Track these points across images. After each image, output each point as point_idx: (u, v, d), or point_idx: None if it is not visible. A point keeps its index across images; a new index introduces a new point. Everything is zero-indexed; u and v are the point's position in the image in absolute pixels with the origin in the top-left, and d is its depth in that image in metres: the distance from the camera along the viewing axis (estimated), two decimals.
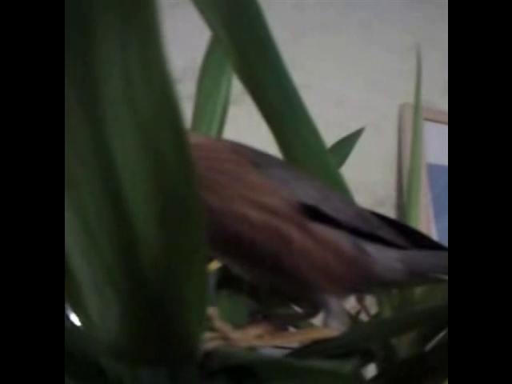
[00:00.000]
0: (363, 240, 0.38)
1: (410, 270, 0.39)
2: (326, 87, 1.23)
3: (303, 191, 0.37)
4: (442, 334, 0.54)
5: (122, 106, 0.21)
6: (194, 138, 0.38)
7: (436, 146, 1.22)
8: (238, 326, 0.51)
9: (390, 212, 1.19)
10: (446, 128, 1.25)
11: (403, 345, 0.54)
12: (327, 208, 0.38)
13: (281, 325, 0.39)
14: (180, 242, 0.28)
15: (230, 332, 0.34)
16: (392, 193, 1.21)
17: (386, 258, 0.38)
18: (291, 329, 0.49)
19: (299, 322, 0.48)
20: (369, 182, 1.17)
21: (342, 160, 0.83)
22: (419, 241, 0.41)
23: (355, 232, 0.38)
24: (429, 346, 0.55)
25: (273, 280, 0.38)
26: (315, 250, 0.36)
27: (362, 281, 0.38)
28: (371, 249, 0.38)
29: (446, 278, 0.39)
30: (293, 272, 0.36)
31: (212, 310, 0.35)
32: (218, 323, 0.34)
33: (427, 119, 1.23)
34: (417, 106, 0.68)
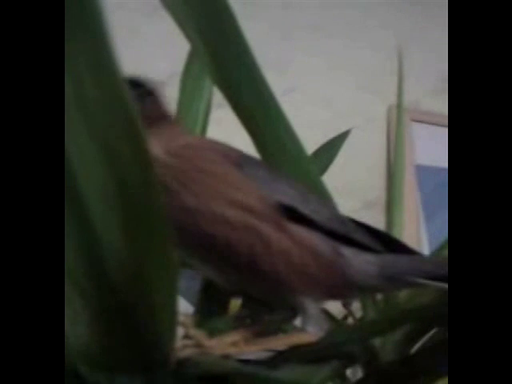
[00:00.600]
0: (339, 243, 0.38)
1: (385, 274, 0.39)
2: (314, 88, 1.23)
3: (283, 192, 0.37)
4: (427, 335, 0.54)
5: (76, 115, 0.20)
6: (183, 138, 0.38)
7: (424, 147, 1.22)
8: (220, 330, 0.51)
9: (380, 213, 1.19)
10: (434, 129, 1.25)
11: (388, 347, 0.54)
12: (305, 209, 0.38)
13: (259, 331, 0.39)
14: (145, 250, 0.28)
15: (204, 340, 0.34)
16: (381, 194, 1.20)
17: (361, 262, 0.38)
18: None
19: (282, 325, 0.48)
20: (358, 184, 1.17)
21: (329, 161, 0.83)
22: (392, 245, 0.41)
23: (331, 234, 0.38)
24: (414, 348, 0.55)
25: (247, 282, 0.37)
26: (293, 250, 0.36)
27: (338, 284, 0.38)
28: (347, 252, 0.38)
29: (422, 281, 0.39)
30: (269, 273, 0.36)
31: (186, 318, 0.34)
32: (192, 331, 0.34)
33: (415, 120, 1.24)
34: (400, 108, 0.68)
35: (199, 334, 0.34)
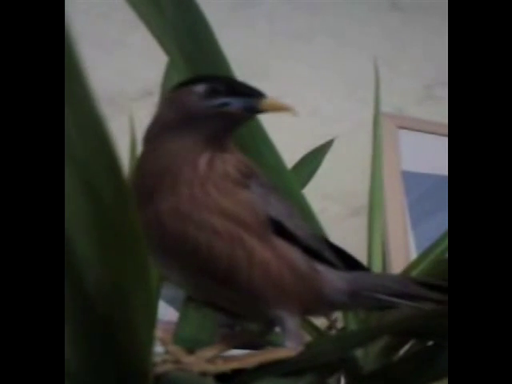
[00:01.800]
0: (314, 259, 0.39)
1: (353, 291, 0.40)
2: (300, 96, 1.24)
3: (273, 205, 0.38)
4: (409, 345, 0.55)
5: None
6: None
7: (410, 153, 1.23)
8: (203, 341, 0.51)
9: (366, 221, 1.20)
10: (420, 135, 1.26)
11: (370, 357, 0.54)
12: (290, 224, 0.39)
13: (237, 345, 0.39)
14: (122, 267, 0.28)
15: (182, 356, 0.34)
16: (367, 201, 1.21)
17: (333, 278, 0.39)
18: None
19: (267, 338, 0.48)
20: (346, 190, 1.18)
21: (315, 168, 0.84)
22: (352, 263, 0.42)
23: (308, 250, 0.39)
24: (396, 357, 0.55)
25: (222, 293, 0.38)
26: (272, 263, 0.37)
27: (312, 299, 0.39)
28: (321, 268, 0.39)
29: (386, 298, 0.40)
30: (246, 284, 0.36)
31: (165, 334, 0.35)
32: (171, 347, 0.34)
33: (401, 127, 1.25)
34: (376, 117, 0.68)
35: (177, 350, 0.34)
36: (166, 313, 0.73)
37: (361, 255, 0.69)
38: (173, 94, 0.39)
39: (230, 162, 0.37)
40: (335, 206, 1.19)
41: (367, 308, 0.46)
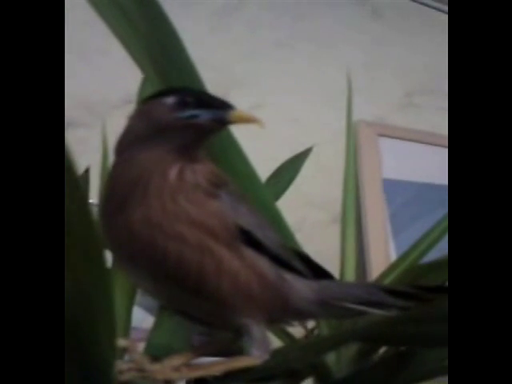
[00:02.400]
0: (282, 268, 0.40)
1: (321, 300, 0.41)
2: (280, 104, 1.25)
3: (243, 215, 0.39)
4: (382, 350, 0.56)
5: None
6: None
7: (391, 161, 1.24)
8: (176, 349, 0.52)
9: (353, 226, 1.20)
10: (400, 143, 1.27)
11: (342, 362, 0.55)
12: (259, 234, 0.39)
13: (207, 353, 0.40)
14: (84, 279, 0.29)
15: (146, 364, 0.34)
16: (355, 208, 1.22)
17: (301, 287, 0.40)
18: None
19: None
20: (326, 198, 1.18)
21: (292, 177, 0.85)
22: (321, 272, 0.43)
23: (276, 260, 0.40)
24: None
25: (190, 301, 0.38)
26: (241, 272, 0.37)
27: (279, 308, 0.39)
28: (289, 277, 0.40)
29: (353, 306, 0.40)
30: (214, 293, 0.37)
31: (129, 342, 0.35)
32: (135, 355, 0.35)
33: (382, 135, 1.26)
34: (349, 127, 0.69)
35: (142, 358, 0.35)
36: (144, 320, 0.73)
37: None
38: (143, 105, 0.39)
39: (200, 172, 0.38)
40: (317, 212, 1.20)
41: (335, 316, 0.47)
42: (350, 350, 0.55)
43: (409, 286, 0.42)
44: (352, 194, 0.70)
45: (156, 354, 0.41)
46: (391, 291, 0.42)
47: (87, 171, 0.72)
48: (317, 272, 0.43)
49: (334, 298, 0.41)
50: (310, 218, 1.19)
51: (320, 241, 1.07)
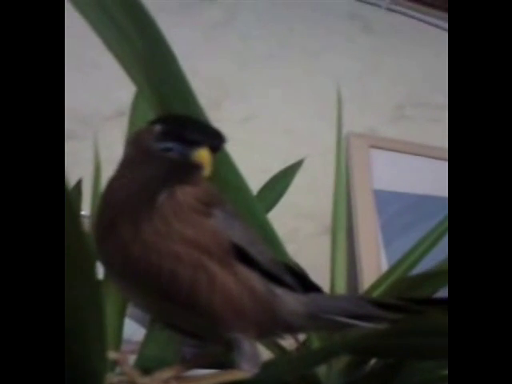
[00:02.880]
0: (273, 283, 0.40)
1: (311, 313, 0.41)
2: (273, 116, 1.26)
3: (235, 231, 0.40)
4: (372, 362, 0.56)
5: None
6: None
7: (382, 172, 1.25)
8: (167, 361, 0.52)
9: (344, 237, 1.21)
10: (391, 155, 1.28)
11: (333, 375, 0.55)
12: (251, 249, 0.40)
13: (198, 366, 0.40)
14: (74, 291, 0.29)
15: (136, 377, 0.35)
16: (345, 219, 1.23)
17: (291, 302, 0.41)
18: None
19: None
20: (318, 210, 1.19)
21: (284, 189, 0.85)
22: (308, 284, 0.43)
23: (267, 275, 0.40)
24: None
25: (182, 316, 0.39)
26: (234, 288, 0.38)
27: (269, 322, 0.40)
28: (279, 292, 0.41)
29: (343, 320, 0.41)
30: (206, 307, 0.37)
31: (120, 354, 0.35)
32: (126, 368, 0.35)
33: (374, 146, 1.27)
34: (338, 139, 0.70)
35: (132, 371, 0.35)
36: (136, 333, 0.73)
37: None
38: (138, 130, 0.40)
39: (191, 193, 0.38)
40: (309, 223, 1.21)
41: (324, 329, 0.47)
42: (341, 362, 0.55)
43: (397, 299, 0.43)
44: (342, 205, 0.70)
45: (147, 366, 0.41)
46: (379, 304, 0.42)
47: (79, 183, 0.72)
48: (305, 285, 0.43)
49: (322, 311, 0.41)
50: (303, 229, 1.19)
51: (312, 252, 1.08)
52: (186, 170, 0.36)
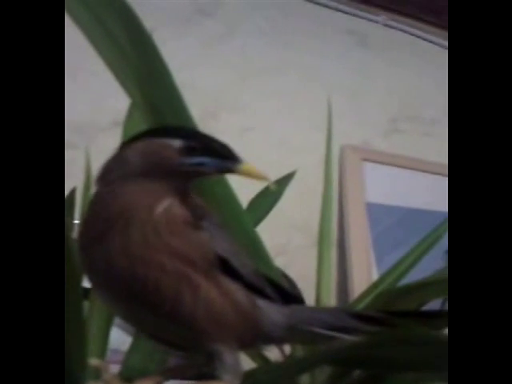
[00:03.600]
0: (255, 295, 0.41)
1: (290, 325, 0.42)
2: (268, 128, 1.27)
3: (220, 244, 0.40)
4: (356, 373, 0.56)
5: None
6: None
7: (375, 185, 1.26)
8: (151, 371, 0.52)
9: (332, 250, 1.21)
10: (384, 168, 1.29)
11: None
12: (236, 262, 0.41)
13: (174, 376, 0.40)
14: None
15: None
16: (333, 231, 1.23)
17: (272, 313, 0.41)
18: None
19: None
20: (310, 221, 1.19)
21: (275, 200, 0.86)
22: (290, 297, 0.44)
23: (250, 287, 0.41)
24: None
25: (166, 327, 0.39)
26: (217, 300, 0.38)
27: (251, 334, 0.40)
28: (261, 304, 0.41)
29: (322, 332, 0.41)
30: (188, 318, 0.38)
31: (101, 362, 0.36)
32: (107, 375, 0.35)
33: (367, 160, 1.28)
34: (328, 155, 0.71)
35: (112, 379, 0.35)
36: (124, 342, 0.73)
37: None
38: (143, 143, 0.39)
39: (184, 205, 0.39)
40: (300, 235, 1.21)
41: (304, 341, 0.48)
42: (324, 373, 0.56)
43: (376, 312, 0.43)
44: (329, 219, 0.71)
45: (131, 376, 0.41)
46: (360, 316, 0.43)
47: (73, 192, 0.73)
48: (286, 296, 0.44)
49: (302, 322, 0.42)
50: (294, 241, 1.20)
51: (303, 264, 1.08)
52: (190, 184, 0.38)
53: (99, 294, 0.40)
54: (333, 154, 1.29)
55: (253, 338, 0.41)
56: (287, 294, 0.44)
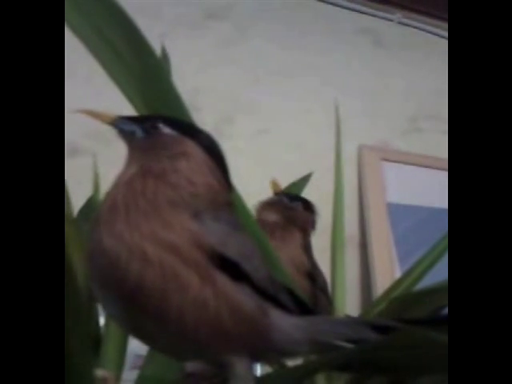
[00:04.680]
0: (268, 303, 0.38)
1: (310, 339, 0.38)
2: (284, 130, 1.26)
3: (229, 243, 0.37)
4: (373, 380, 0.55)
5: None
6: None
7: (395, 185, 1.24)
8: (168, 380, 0.51)
9: (354, 251, 1.20)
10: (404, 167, 1.27)
11: None
12: (247, 265, 0.37)
13: None
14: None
15: None
16: (355, 233, 1.22)
17: (288, 326, 0.38)
18: None
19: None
20: (327, 224, 1.18)
21: None
22: (307, 308, 0.41)
23: (262, 293, 0.38)
24: None
25: (154, 331, 0.35)
26: (211, 303, 0.34)
27: (259, 343, 0.37)
28: (274, 314, 0.38)
29: (342, 345, 0.38)
30: (176, 321, 0.34)
31: (108, 373, 0.35)
32: None
33: (386, 159, 1.26)
34: (338, 156, 0.70)
35: None
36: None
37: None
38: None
39: (167, 184, 0.37)
40: (322, 237, 1.19)
41: (317, 352, 0.45)
42: (341, 380, 0.55)
43: (393, 320, 0.40)
44: (341, 222, 0.70)
45: None
46: (377, 327, 0.39)
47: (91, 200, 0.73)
48: (304, 307, 0.41)
49: (322, 335, 0.39)
50: (313, 242, 1.18)
51: (321, 267, 1.07)
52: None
53: (94, 291, 0.37)
54: (350, 155, 1.29)
55: (263, 348, 0.37)
56: (305, 304, 0.41)
